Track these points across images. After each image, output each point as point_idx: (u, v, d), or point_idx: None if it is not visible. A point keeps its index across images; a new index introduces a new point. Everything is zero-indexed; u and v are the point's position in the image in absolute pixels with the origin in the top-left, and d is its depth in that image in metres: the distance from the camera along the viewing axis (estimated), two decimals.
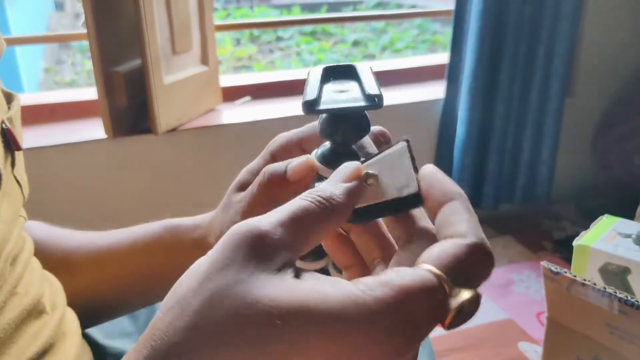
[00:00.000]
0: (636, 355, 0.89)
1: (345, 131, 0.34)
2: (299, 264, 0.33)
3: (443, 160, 1.62)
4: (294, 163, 0.36)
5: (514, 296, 1.34)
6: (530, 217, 1.71)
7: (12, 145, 0.40)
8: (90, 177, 1.30)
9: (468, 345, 1.17)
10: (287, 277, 0.21)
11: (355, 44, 4.89)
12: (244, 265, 0.21)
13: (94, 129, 1.30)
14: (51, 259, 0.47)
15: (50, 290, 0.45)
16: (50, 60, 5.17)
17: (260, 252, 0.22)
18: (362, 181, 0.26)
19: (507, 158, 1.60)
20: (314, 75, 0.36)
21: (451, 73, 1.54)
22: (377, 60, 4.54)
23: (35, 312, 0.41)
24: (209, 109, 1.44)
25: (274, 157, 0.42)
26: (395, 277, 0.21)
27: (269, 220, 0.23)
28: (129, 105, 1.26)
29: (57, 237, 0.51)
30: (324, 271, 0.37)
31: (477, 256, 0.23)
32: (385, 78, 1.71)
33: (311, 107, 0.32)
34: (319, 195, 0.24)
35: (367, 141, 0.37)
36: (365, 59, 4.54)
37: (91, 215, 1.30)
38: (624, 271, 0.95)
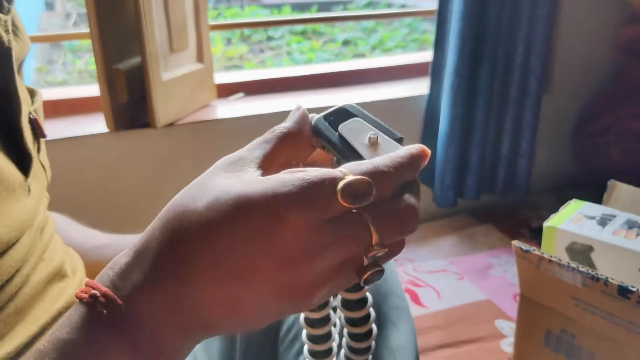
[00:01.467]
0: (597, 325, 0.98)
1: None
2: (306, 313, 0.41)
3: None
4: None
5: (493, 279, 1.42)
6: (511, 207, 1.80)
7: (37, 133, 0.47)
8: (92, 169, 1.37)
9: (448, 323, 1.25)
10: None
11: (346, 43, 4.94)
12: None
13: (96, 124, 1.37)
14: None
15: (71, 260, 0.51)
16: (41, 59, 5.17)
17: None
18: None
19: (488, 151, 1.68)
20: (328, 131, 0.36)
21: (435, 70, 1.62)
22: (367, 58, 4.60)
23: (59, 275, 0.47)
24: (205, 105, 1.51)
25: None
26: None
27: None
28: (129, 101, 1.32)
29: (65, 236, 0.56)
30: (326, 318, 0.42)
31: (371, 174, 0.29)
32: (374, 75, 1.79)
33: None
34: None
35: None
36: (356, 58, 4.60)
37: (94, 205, 1.36)
38: (588, 249, 1.04)
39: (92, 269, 0.55)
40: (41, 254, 0.45)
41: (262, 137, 0.33)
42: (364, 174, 0.28)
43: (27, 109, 0.45)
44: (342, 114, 0.36)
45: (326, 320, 0.42)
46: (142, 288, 0.27)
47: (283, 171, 0.28)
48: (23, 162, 0.43)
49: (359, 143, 0.34)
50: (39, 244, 0.45)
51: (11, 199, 0.40)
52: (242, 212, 0.27)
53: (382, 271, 0.29)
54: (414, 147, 0.32)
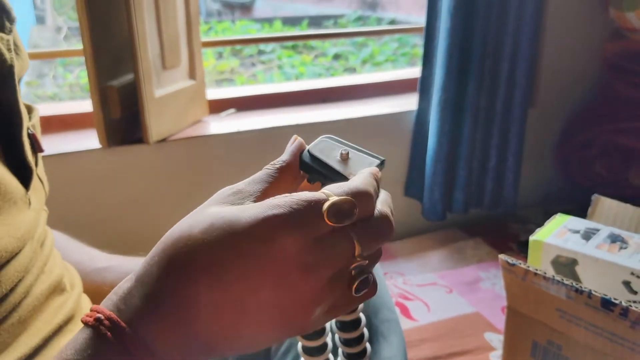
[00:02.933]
0: (583, 337, 1.01)
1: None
2: (301, 341, 0.43)
3: (416, 168, 1.72)
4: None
5: (482, 292, 1.44)
6: (499, 221, 1.82)
7: (35, 147, 0.48)
8: (85, 185, 1.37)
9: (438, 336, 1.27)
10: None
11: (336, 57, 4.98)
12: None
13: (89, 140, 1.38)
14: None
15: (69, 274, 0.52)
16: (32, 73, 5.15)
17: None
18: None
19: (476, 165, 1.70)
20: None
21: (423, 86, 1.65)
22: (357, 72, 4.64)
23: (58, 289, 0.48)
24: (197, 120, 1.53)
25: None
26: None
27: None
28: (122, 117, 1.33)
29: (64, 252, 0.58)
30: (324, 346, 0.43)
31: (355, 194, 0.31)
32: (364, 91, 1.81)
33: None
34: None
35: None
36: (346, 72, 4.64)
37: (87, 221, 1.37)
38: (573, 262, 1.07)
39: (93, 289, 0.56)
40: (42, 267, 0.46)
41: (263, 171, 0.35)
42: (346, 194, 0.31)
43: (26, 124, 0.47)
44: (323, 144, 0.39)
45: (323, 348, 0.43)
46: (144, 311, 0.29)
47: (272, 197, 0.30)
48: (24, 176, 0.45)
49: (332, 159, 0.37)
50: (39, 256, 0.46)
51: (13, 210, 0.41)
52: (235, 235, 0.28)
53: (369, 279, 0.31)
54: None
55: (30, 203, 0.45)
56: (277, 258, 0.28)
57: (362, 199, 0.31)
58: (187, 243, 0.29)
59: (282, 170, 0.35)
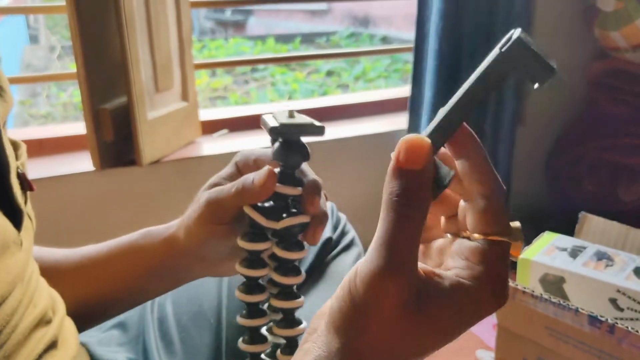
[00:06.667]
0: (571, 354, 1.02)
1: (293, 155, 0.46)
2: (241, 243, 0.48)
3: None
4: (261, 173, 0.46)
5: None
6: None
7: (25, 186, 0.48)
8: (79, 207, 1.38)
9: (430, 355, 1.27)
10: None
11: (329, 74, 5.02)
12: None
13: (82, 162, 1.38)
14: (42, 268, 0.54)
15: (53, 302, 0.51)
16: (25, 92, 5.14)
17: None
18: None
19: None
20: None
21: (413, 105, 1.67)
22: (350, 88, 4.68)
23: (43, 321, 0.47)
24: (190, 142, 1.54)
25: (237, 167, 0.52)
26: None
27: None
28: (115, 139, 1.35)
29: (45, 252, 0.59)
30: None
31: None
32: (355, 110, 1.84)
33: (275, 130, 0.44)
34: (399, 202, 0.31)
35: (306, 167, 0.48)
36: (339, 88, 4.68)
37: (80, 243, 1.37)
38: (560, 280, 1.08)
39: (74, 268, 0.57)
40: (28, 303, 0.46)
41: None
42: None
43: (14, 164, 0.46)
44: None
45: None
46: None
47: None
48: (14, 217, 0.44)
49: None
50: (27, 293, 0.46)
51: (6, 254, 0.41)
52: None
53: None
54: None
55: (22, 244, 0.45)
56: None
57: None
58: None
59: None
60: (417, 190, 0.30)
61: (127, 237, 0.56)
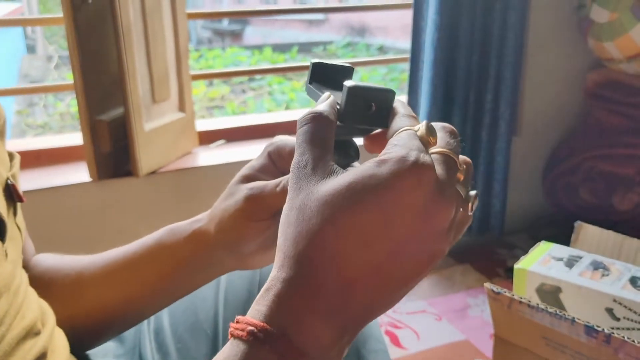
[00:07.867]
0: None
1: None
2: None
3: None
4: None
5: (470, 319, 1.45)
6: (486, 247, 1.84)
7: (15, 197, 0.48)
8: (76, 218, 1.38)
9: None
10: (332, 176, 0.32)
11: None
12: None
13: (79, 173, 1.39)
14: (66, 280, 0.54)
15: (42, 313, 0.51)
16: (22, 102, 5.16)
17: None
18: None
19: None
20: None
21: None
22: None
23: (31, 333, 0.47)
24: (186, 152, 1.55)
25: (271, 158, 0.49)
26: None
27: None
28: (112, 150, 1.35)
29: (68, 260, 0.57)
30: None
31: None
32: None
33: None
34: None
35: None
36: None
37: (77, 254, 1.37)
38: (557, 290, 1.08)
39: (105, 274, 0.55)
40: (15, 314, 0.45)
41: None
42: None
43: (5, 174, 0.46)
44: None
45: None
46: (299, 312, 0.29)
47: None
48: None
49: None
50: (14, 304, 0.45)
51: None
52: (375, 188, 0.30)
53: (476, 194, 0.35)
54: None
55: (7, 255, 0.44)
56: (418, 194, 0.29)
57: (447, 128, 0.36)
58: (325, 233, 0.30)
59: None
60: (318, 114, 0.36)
61: (151, 237, 0.54)
